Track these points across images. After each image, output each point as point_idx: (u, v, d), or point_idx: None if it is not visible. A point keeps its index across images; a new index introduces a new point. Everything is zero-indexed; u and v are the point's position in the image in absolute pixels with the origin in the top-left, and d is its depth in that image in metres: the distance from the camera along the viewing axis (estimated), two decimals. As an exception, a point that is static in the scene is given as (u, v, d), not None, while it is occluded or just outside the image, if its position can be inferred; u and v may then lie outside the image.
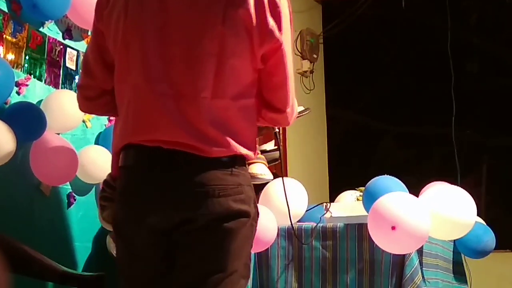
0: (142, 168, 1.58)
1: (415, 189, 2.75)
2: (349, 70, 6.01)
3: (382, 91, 6.07)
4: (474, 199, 2.43)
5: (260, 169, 1.75)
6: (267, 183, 2.43)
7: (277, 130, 2.09)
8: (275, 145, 2.20)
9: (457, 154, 5.24)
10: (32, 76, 2.62)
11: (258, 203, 2.22)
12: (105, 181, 1.76)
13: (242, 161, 1.60)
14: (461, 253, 2.86)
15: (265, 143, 2.26)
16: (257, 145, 1.73)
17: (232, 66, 1.55)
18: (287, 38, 1.58)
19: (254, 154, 1.66)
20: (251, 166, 1.76)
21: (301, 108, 2.24)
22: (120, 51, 1.62)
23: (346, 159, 6.08)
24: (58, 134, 2.62)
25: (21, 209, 2.51)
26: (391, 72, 6.04)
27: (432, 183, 2.73)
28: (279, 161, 2.33)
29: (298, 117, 2.29)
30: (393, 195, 2.24)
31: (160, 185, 1.55)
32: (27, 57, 2.62)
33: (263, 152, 2.29)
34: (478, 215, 2.51)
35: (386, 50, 5.94)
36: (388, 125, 6.23)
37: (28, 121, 2.42)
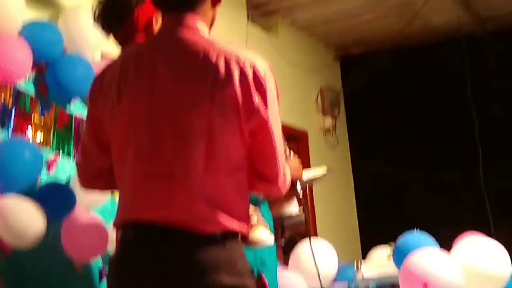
0: (137, 243, 1.61)
1: (448, 240, 2.70)
2: (372, 122, 6.03)
3: (406, 139, 6.05)
4: (509, 248, 2.39)
5: (262, 234, 1.78)
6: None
7: (299, 192, 2.11)
8: (299, 206, 2.21)
9: (488, 201, 5.18)
10: (61, 153, 2.70)
11: (288, 267, 2.22)
12: (110, 259, 1.78)
13: (235, 236, 1.62)
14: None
15: (288, 206, 2.27)
16: (250, 217, 1.75)
17: (222, 143, 1.58)
18: (273, 113, 1.62)
19: (247, 227, 1.68)
20: (252, 231, 1.78)
21: (320, 171, 2.26)
22: (115, 134, 1.69)
23: (376, 211, 6.02)
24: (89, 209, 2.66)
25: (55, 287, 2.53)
26: (414, 120, 6.04)
27: (465, 235, 2.69)
28: (306, 222, 2.34)
29: (319, 179, 2.32)
30: (423, 251, 2.22)
31: (153, 260, 1.57)
32: (55, 136, 2.70)
33: (288, 218, 2.30)
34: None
35: (407, 99, 5.95)
36: (415, 173, 6.18)
37: (58, 199, 2.47)
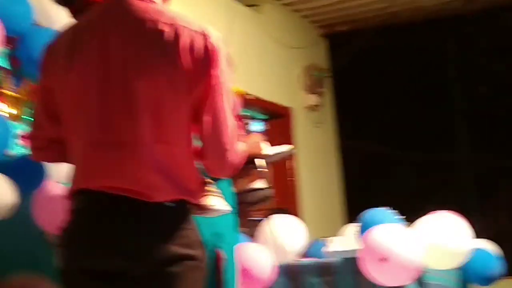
0: (89, 212, 1.63)
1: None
2: (358, 100, 6.04)
3: (392, 118, 6.07)
4: (493, 224, 2.42)
5: (213, 201, 1.79)
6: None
7: (261, 169, 2.12)
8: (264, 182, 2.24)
9: (472, 181, 5.22)
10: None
11: (255, 241, 2.24)
12: (62, 227, 1.77)
13: (186, 205, 1.64)
14: (467, 281, 2.83)
15: (251, 182, 2.30)
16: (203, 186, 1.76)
17: (169, 112, 1.59)
18: (222, 85, 1.61)
19: (199, 196, 1.69)
20: (204, 198, 1.80)
21: (284, 149, 2.27)
22: (66, 103, 1.70)
23: (361, 189, 6.06)
24: (59, 182, 2.68)
25: (26, 258, 2.57)
26: (400, 99, 6.05)
27: (433, 212, 2.72)
28: (271, 199, 2.37)
29: (281, 156, 2.34)
30: (383, 226, 2.25)
31: (105, 229, 1.59)
32: (27, 110, 2.71)
33: (252, 190, 2.32)
34: (497, 240, 2.49)
35: (394, 78, 5.96)
36: (401, 152, 6.21)
37: (28, 172, 2.49)
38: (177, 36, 1.59)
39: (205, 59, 1.59)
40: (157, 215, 1.59)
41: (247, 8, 4.91)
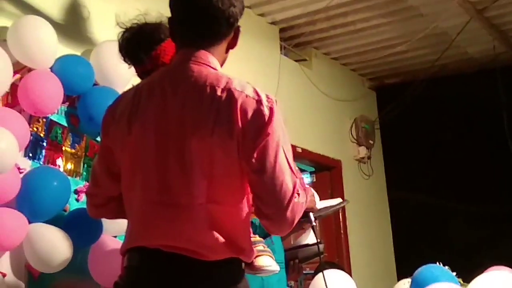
0: (144, 268, 1.66)
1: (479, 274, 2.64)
2: (408, 152, 5.99)
3: (442, 170, 5.99)
4: None
5: (266, 262, 1.80)
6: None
7: (314, 224, 2.13)
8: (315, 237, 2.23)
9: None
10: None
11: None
12: (115, 282, 1.81)
13: (238, 264, 1.67)
14: None
15: (296, 237, 2.30)
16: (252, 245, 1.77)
17: (222, 174, 1.63)
18: (276, 145, 1.63)
19: (251, 254, 1.71)
20: (257, 259, 1.81)
21: (336, 201, 2.28)
22: (125, 162, 1.76)
23: (413, 243, 5.94)
24: (115, 237, 2.74)
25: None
26: (450, 151, 5.98)
27: (490, 269, 2.65)
28: (324, 254, 2.36)
29: (334, 210, 2.34)
30: (438, 286, 2.21)
31: (159, 286, 1.62)
32: (85, 166, 2.81)
33: (303, 246, 2.32)
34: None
35: (443, 129, 5.91)
36: (453, 205, 6.10)
37: (85, 227, 2.55)
38: (232, 101, 1.64)
39: (258, 123, 1.63)
40: (211, 274, 1.62)
41: (296, 63, 5.00)
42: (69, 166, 2.75)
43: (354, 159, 5.44)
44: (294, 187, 1.64)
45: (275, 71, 4.52)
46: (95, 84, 2.80)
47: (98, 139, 2.86)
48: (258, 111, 1.64)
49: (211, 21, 1.72)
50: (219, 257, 1.63)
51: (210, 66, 1.73)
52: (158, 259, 1.64)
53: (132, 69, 2.16)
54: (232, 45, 1.80)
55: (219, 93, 1.65)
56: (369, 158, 5.54)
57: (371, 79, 5.86)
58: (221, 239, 1.63)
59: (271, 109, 1.65)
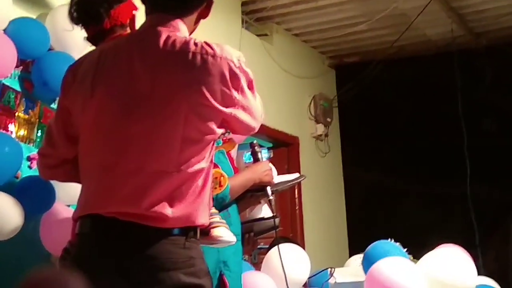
0: (97, 235, 1.64)
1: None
2: (364, 131, 6.06)
3: (397, 150, 6.09)
4: (499, 259, 2.41)
5: (222, 232, 1.81)
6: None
7: (271, 197, 2.14)
8: (271, 211, 2.25)
9: (474, 213, 5.20)
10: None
11: (260, 270, 2.24)
12: (64, 248, 1.79)
13: (194, 233, 1.66)
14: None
15: (252, 210, 2.31)
16: (210, 212, 1.78)
17: (189, 140, 1.62)
18: (246, 99, 1.71)
19: (206, 224, 1.71)
20: (213, 229, 1.81)
21: (295, 176, 2.29)
22: (85, 126, 1.72)
23: (366, 219, 6.04)
24: (68, 206, 2.70)
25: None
26: (405, 131, 6.07)
27: (441, 246, 2.72)
28: (279, 228, 2.38)
29: (291, 185, 2.36)
30: (388, 260, 2.25)
31: (112, 253, 1.60)
32: (39, 133, 2.74)
33: (259, 219, 2.33)
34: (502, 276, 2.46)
35: (400, 110, 6.00)
36: (406, 184, 6.21)
37: (37, 194, 2.51)
38: (204, 63, 1.62)
39: (231, 84, 1.65)
40: (164, 243, 1.60)
41: (258, 37, 4.97)
42: (22, 132, 2.68)
43: (312, 136, 5.48)
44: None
45: (235, 44, 4.49)
46: (50, 49, 2.73)
47: (53, 106, 2.81)
48: (231, 71, 1.65)
49: None
50: (172, 225, 1.61)
51: (178, 31, 1.70)
52: (110, 227, 1.62)
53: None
54: (204, 15, 1.79)
55: (190, 54, 1.63)
56: (326, 135, 5.58)
57: (331, 57, 5.88)
58: (176, 207, 1.61)
59: (241, 67, 1.70)
